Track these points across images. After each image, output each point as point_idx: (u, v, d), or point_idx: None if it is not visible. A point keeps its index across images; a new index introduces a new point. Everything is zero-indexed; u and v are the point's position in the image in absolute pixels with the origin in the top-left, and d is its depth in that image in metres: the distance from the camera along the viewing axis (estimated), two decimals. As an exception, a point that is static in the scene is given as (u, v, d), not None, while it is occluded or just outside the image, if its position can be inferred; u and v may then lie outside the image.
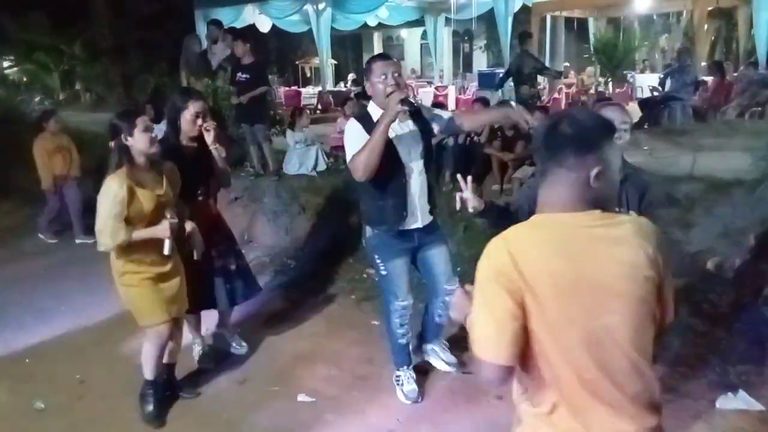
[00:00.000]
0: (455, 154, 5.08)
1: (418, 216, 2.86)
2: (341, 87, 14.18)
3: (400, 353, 3.08)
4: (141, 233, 2.68)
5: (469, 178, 2.38)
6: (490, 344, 1.26)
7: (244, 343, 3.61)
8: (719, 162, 4.65)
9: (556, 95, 10.69)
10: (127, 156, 2.66)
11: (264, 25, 13.00)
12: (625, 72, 10.50)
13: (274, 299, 4.31)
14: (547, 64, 12.00)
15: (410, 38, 17.48)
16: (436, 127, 2.92)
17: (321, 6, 11.43)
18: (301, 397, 3.10)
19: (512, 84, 7.83)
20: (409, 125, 2.84)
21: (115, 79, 11.66)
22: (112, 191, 2.61)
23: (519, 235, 1.29)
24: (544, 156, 1.32)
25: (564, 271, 1.22)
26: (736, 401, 2.77)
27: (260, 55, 6.55)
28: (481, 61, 15.95)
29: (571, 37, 11.64)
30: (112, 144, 2.69)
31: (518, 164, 4.83)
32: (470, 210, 2.34)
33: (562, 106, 10.45)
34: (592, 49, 9.92)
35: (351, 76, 14.60)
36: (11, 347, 3.73)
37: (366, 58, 18.70)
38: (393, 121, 2.62)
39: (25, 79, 12.85)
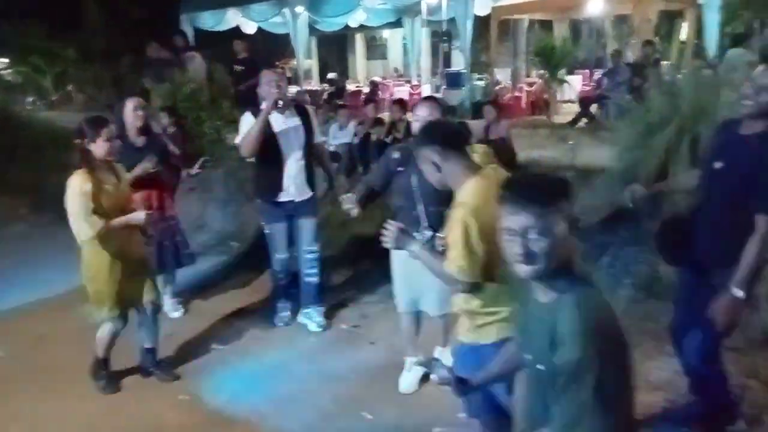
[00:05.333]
0: (379, 148, 5.74)
1: (293, 192, 3.72)
2: (325, 86, 14.85)
3: (277, 289, 4.01)
4: (118, 220, 2.98)
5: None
6: (470, 270, 1.91)
7: (180, 308, 4.32)
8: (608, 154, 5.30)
9: (517, 93, 11.28)
10: (87, 158, 2.96)
11: (249, 28, 13.65)
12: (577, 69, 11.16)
13: (215, 274, 5.03)
14: (511, 64, 12.68)
15: (392, 38, 18.08)
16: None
17: (298, 9, 12.07)
18: (214, 345, 3.82)
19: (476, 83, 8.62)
20: (295, 121, 3.70)
21: (105, 80, 12.37)
22: (77, 188, 2.91)
23: (470, 190, 1.98)
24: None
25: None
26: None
27: (253, 52, 8.03)
28: (460, 61, 16.52)
29: (535, 39, 12.23)
30: (76, 142, 2.99)
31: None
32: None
33: (523, 104, 11.11)
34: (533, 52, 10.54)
35: (329, 76, 15.24)
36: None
37: (350, 58, 19.42)
38: (267, 115, 3.50)
39: (20, 80, 13.61)
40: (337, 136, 6.47)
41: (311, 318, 3.99)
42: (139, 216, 3.06)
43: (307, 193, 3.79)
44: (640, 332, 3.49)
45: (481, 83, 11.52)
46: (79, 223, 2.92)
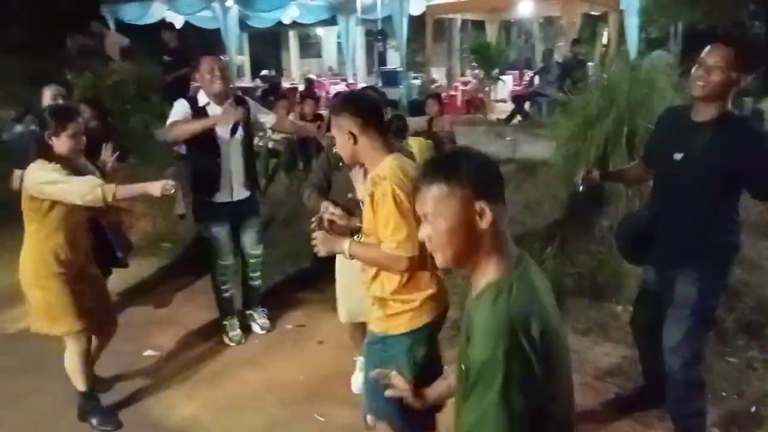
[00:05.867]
0: (320, 143, 5.58)
1: (232, 192, 3.42)
2: (257, 83, 14.45)
3: (223, 304, 3.64)
4: (131, 188, 2.54)
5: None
6: (410, 242, 1.79)
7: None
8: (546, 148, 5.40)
9: (453, 92, 11.41)
10: (45, 151, 2.55)
11: (176, 21, 13.05)
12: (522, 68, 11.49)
13: (148, 277, 4.70)
14: (445, 63, 12.84)
15: (327, 36, 17.92)
16: (267, 124, 3.62)
17: (228, 3, 11.66)
18: (147, 352, 3.55)
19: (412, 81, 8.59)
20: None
21: (30, 74, 11.51)
22: (45, 167, 2.49)
23: (390, 166, 1.87)
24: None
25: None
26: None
27: (182, 43, 7.58)
28: (395, 60, 16.58)
29: (469, 39, 12.44)
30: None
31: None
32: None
33: (458, 103, 11.26)
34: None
35: (263, 73, 14.89)
36: None
37: (284, 56, 19.06)
38: (211, 124, 3.18)
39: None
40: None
41: (255, 320, 3.79)
42: (156, 186, 2.52)
43: (249, 192, 3.51)
44: (586, 321, 3.56)
45: (417, 82, 11.58)
46: (78, 187, 2.46)
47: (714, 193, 2.13)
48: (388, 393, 1.67)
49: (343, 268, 2.89)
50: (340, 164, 2.79)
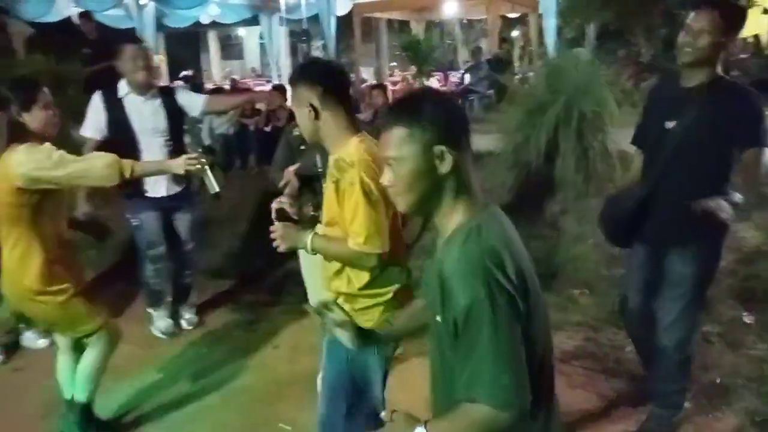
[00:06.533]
0: (258, 139, 5.33)
1: (162, 186, 3.21)
2: (179, 84, 13.79)
3: (152, 295, 3.47)
4: (148, 164, 2.38)
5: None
6: (379, 237, 1.63)
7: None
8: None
9: (382, 91, 11.37)
10: (21, 134, 2.18)
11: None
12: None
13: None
14: (374, 62, 12.83)
15: (249, 37, 17.43)
16: (195, 109, 3.33)
17: (142, 0, 11.04)
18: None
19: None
20: (155, 104, 3.17)
21: None
22: (39, 149, 2.13)
23: (356, 148, 1.69)
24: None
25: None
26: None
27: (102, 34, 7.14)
28: (319, 61, 16.36)
29: (395, 39, 12.49)
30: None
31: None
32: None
33: (390, 102, 11.23)
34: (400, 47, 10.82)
35: (183, 74, 14.24)
36: None
37: (203, 57, 18.34)
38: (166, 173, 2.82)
39: None
40: (212, 127, 5.89)
41: (183, 316, 3.63)
42: (178, 163, 2.30)
43: (179, 186, 3.29)
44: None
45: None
46: (97, 164, 2.16)
47: (710, 160, 2.05)
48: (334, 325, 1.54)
49: (308, 258, 2.69)
50: (302, 147, 2.60)
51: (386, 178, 1.21)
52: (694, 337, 2.36)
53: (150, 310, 3.53)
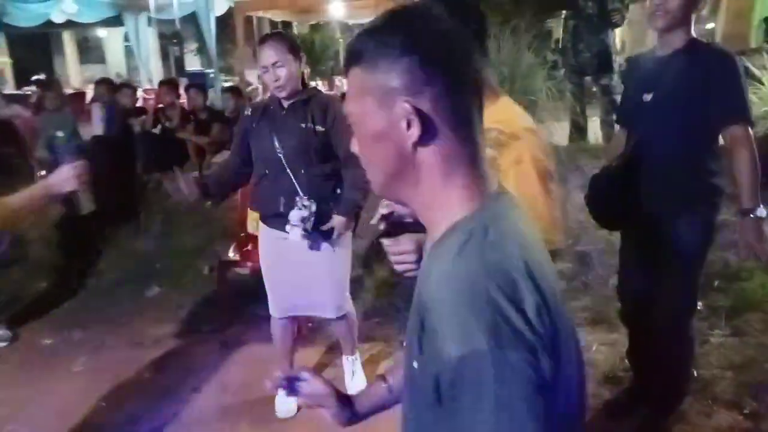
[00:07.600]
0: (147, 142, 4.58)
1: None
2: (30, 89, 12.06)
3: None
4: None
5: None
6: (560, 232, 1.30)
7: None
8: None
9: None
10: None
11: None
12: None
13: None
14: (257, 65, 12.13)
15: (111, 39, 15.82)
16: None
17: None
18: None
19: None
20: None
21: None
22: None
23: (513, 111, 1.36)
24: None
25: None
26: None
27: None
28: (194, 65, 15.28)
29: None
30: None
31: (215, 148, 4.56)
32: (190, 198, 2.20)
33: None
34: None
35: (35, 78, 12.54)
36: None
37: (57, 60, 16.35)
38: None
39: None
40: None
41: None
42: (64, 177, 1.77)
43: None
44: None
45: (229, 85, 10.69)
46: None
47: (691, 132, 1.95)
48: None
49: (272, 253, 2.40)
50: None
51: (353, 145, 0.81)
52: (691, 321, 2.23)
53: None
